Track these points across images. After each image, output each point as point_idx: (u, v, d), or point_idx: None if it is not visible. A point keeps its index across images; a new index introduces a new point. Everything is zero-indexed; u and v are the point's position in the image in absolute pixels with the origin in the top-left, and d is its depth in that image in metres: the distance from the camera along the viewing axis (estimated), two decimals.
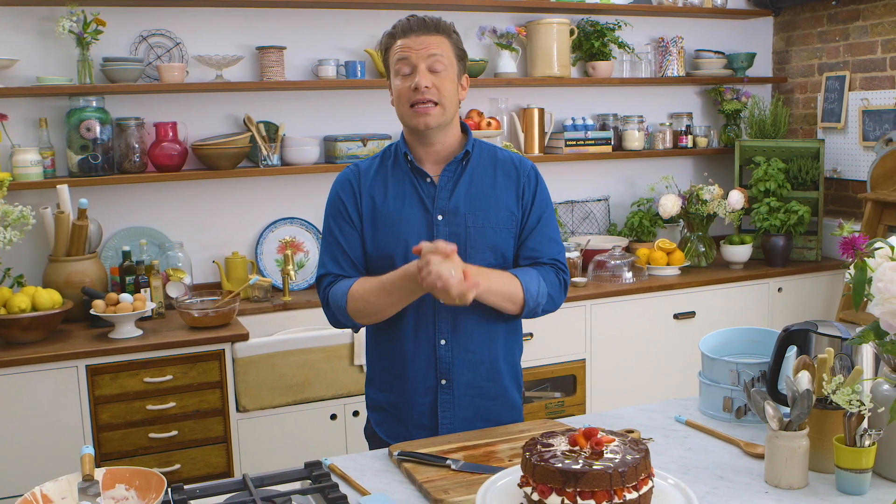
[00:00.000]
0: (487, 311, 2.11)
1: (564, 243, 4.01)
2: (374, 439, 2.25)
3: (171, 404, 3.14)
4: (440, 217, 2.09)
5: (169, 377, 3.13)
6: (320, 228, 3.95)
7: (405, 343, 2.13)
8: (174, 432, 3.15)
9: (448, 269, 1.87)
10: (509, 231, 2.13)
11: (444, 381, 2.13)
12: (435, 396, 2.14)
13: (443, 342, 2.11)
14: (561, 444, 1.49)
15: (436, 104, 2.03)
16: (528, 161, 2.22)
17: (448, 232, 2.08)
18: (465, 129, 2.19)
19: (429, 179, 2.11)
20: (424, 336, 2.11)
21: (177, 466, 3.16)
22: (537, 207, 2.16)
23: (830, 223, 4.47)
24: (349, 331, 3.32)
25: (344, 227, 2.13)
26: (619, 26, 4.37)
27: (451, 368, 2.12)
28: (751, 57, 4.63)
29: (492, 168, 2.15)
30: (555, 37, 4.14)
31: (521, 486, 1.47)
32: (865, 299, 1.64)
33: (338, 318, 2.13)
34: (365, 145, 3.84)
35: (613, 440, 1.48)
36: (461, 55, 2.10)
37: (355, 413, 3.39)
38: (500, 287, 2.03)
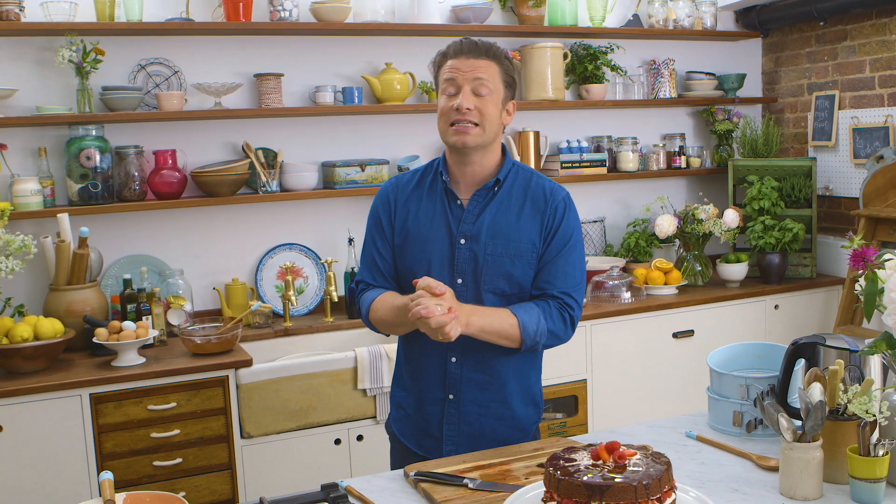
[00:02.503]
0: None
1: None
2: (390, 432, 2.35)
3: (176, 432, 3.13)
4: (463, 241, 2.14)
5: (173, 404, 3.12)
6: (319, 254, 3.97)
7: (421, 354, 2.21)
8: (178, 460, 3.14)
9: (432, 303, 1.95)
10: (529, 262, 2.14)
11: (451, 396, 2.19)
12: (442, 409, 2.20)
13: (453, 359, 2.17)
14: (584, 459, 1.50)
15: (476, 125, 2.08)
16: (562, 191, 2.20)
17: (467, 256, 2.14)
18: (504, 153, 2.21)
19: (459, 202, 2.16)
20: (437, 351, 2.17)
21: (181, 494, 3.12)
22: (559, 240, 2.15)
23: (824, 240, 4.52)
24: (352, 355, 3.34)
25: (378, 240, 2.24)
26: (612, 49, 4.43)
27: (458, 385, 2.18)
28: (741, 78, 4.69)
29: (522, 196, 2.16)
30: (549, 60, 4.19)
31: (545, 501, 1.48)
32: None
33: (367, 322, 2.25)
34: (363, 171, 3.86)
35: (635, 454, 1.49)
36: (510, 82, 2.14)
37: (359, 437, 3.39)
38: (496, 327, 2.06)
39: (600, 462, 1.47)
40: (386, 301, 2.15)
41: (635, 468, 1.44)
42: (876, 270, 1.61)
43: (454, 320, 1.97)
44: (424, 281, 2.01)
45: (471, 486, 1.84)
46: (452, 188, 2.17)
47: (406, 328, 2.15)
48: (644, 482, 1.39)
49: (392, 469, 2.30)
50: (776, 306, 4.25)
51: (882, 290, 1.59)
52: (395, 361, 2.35)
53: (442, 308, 1.96)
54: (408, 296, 2.05)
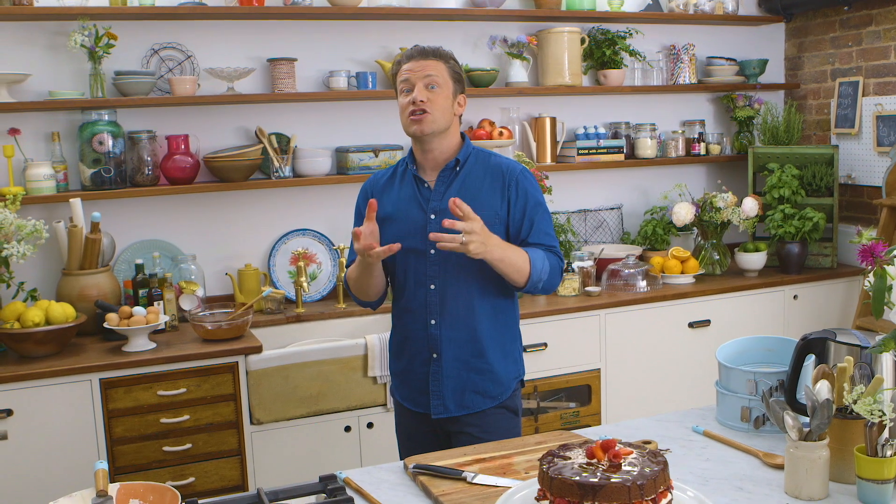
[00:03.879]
0: (473, 296, 2.40)
1: (578, 252, 4.04)
2: (394, 398, 2.61)
3: (185, 417, 3.14)
4: (433, 216, 2.40)
5: (183, 390, 3.13)
6: (333, 240, 3.95)
7: (406, 321, 2.48)
8: (188, 445, 3.14)
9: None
10: (493, 228, 2.34)
11: (434, 355, 2.44)
12: (428, 367, 2.45)
13: (433, 322, 2.42)
14: (578, 457, 1.47)
15: (429, 114, 2.36)
16: (518, 166, 2.48)
17: (438, 229, 2.32)
18: (464, 139, 2.50)
19: (426, 184, 2.44)
20: (420, 316, 2.44)
21: (191, 479, 3.15)
22: (531, 207, 2.43)
23: (846, 229, 4.44)
24: (363, 342, 3.33)
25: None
26: (631, 34, 4.36)
27: (439, 345, 2.42)
28: (763, 63, 4.61)
29: (482, 173, 2.44)
30: (566, 45, 4.13)
31: (538, 499, 1.46)
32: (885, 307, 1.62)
33: (353, 298, 2.56)
34: (377, 156, 3.84)
35: (631, 452, 1.46)
36: (457, 78, 2.44)
37: (369, 425, 3.38)
38: (513, 259, 2.31)
39: (595, 460, 1.44)
40: (354, 265, 2.47)
41: (630, 467, 1.41)
42: (885, 266, 1.57)
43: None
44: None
45: (469, 479, 1.82)
46: (419, 174, 2.46)
47: (365, 281, 2.42)
48: (638, 482, 1.36)
49: (398, 432, 2.62)
50: (795, 297, 4.19)
51: (891, 287, 1.55)
52: (389, 338, 2.61)
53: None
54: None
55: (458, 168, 2.43)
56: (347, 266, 2.56)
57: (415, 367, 2.48)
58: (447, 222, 2.17)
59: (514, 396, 2.50)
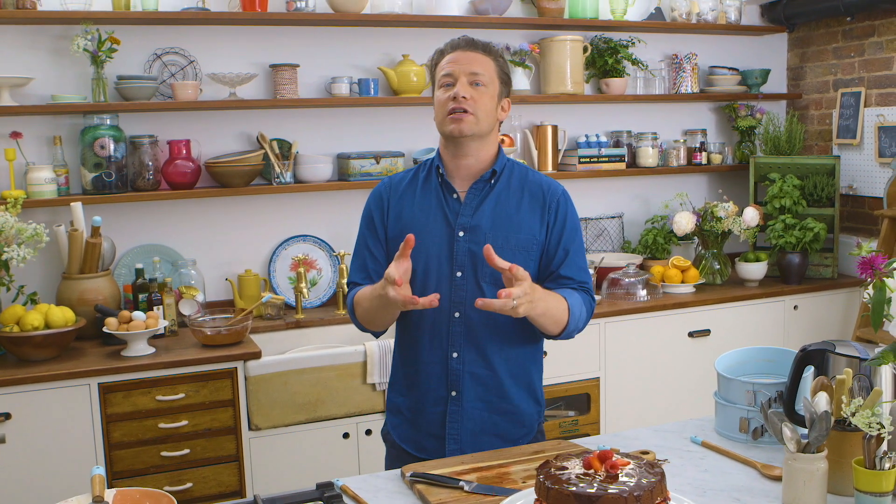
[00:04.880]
0: (501, 329, 2.13)
1: None
2: (388, 439, 2.32)
3: (184, 422, 3.13)
4: (461, 233, 2.12)
5: (181, 395, 3.12)
6: (333, 246, 3.95)
7: (421, 352, 2.17)
8: (186, 451, 3.14)
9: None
10: (529, 253, 2.14)
11: (453, 393, 2.16)
12: (445, 407, 2.17)
13: (455, 355, 2.14)
14: (575, 468, 1.47)
15: (471, 115, 2.09)
16: (560, 186, 2.22)
17: (467, 249, 2.12)
18: (499, 149, 2.22)
19: (455, 195, 2.16)
20: (438, 347, 2.15)
21: (189, 485, 3.14)
22: (569, 235, 2.18)
23: (846, 240, 4.43)
24: (362, 349, 3.33)
25: (370, 239, 2.23)
26: (633, 43, 4.36)
27: (460, 381, 2.15)
28: (765, 73, 4.61)
29: (520, 190, 2.18)
30: (568, 54, 4.13)
31: None
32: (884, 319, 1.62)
33: (355, 323, 2.23)
34: (378, 163, 3.84)
35: (628, 463, 1.46)
36: (504, 78, 2.18)
37: (368, 432, 3.37)
38: (553, 311, 2.05)
39: (592, 471, 1.44)
40: (366, 290, 2.14)
41: (627, 478, 1.41)
42: (884, 279, 1.56)
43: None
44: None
45: (466, 488, 1.81)
46: (448, 181, 2.17)
47: (382, 315, 2.12)
48: (635, 493, 1.36)
49: None
50: (795, 307, 4.18)
51: (890, 300, 1.54)
52: (392, 367, 2.32)
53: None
54: (382, 281, 1.98)
55: (493, 181, 2.16)
56: (350, 284, 2.26)
57: (427, 405, 2.18)
58: (503, 293, 1.86)
59: (537, 438, 2.26)
